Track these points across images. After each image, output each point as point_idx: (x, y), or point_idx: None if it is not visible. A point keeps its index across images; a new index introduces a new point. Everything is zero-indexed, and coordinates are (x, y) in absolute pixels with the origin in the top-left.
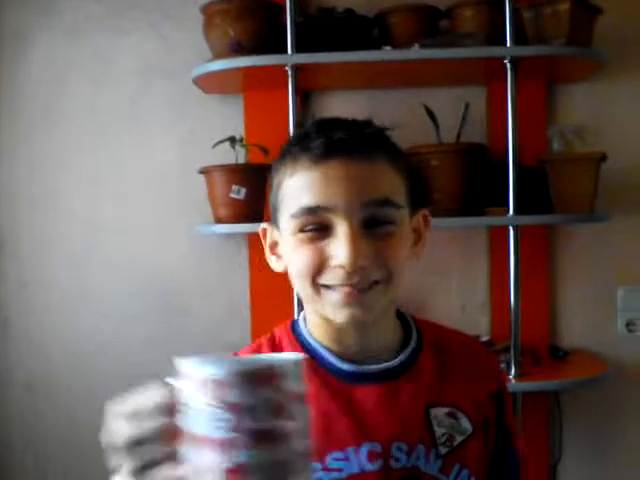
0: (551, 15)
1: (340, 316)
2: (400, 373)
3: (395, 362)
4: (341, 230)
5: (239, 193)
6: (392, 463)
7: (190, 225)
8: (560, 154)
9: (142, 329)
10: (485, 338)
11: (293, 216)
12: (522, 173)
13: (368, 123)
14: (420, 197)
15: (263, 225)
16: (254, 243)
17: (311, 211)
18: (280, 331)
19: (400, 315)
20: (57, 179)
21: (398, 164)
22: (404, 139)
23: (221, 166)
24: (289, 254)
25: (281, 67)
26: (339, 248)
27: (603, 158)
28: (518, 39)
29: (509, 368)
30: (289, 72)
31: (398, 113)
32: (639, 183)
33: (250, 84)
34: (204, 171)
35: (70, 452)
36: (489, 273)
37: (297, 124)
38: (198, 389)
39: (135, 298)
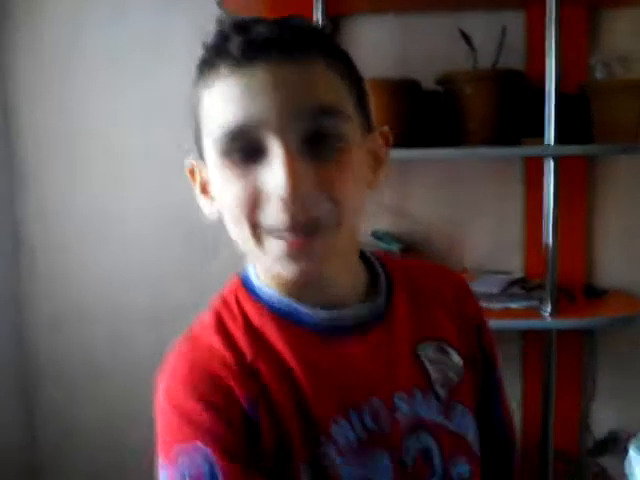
0: None
1: (288, 272)
2: (380, 317)
3: (372, 306)
4: (275, 150)
5: None
6: (398, 416)
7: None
8: (603, 81)
9: (168, 262)
10: (519, 275)
11: (215, 140)
12: (562, 101)
13: (298, 20)
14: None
15: (189, 161)
16: None
17: (238, 132)
18: (232, 290)
19: (363, 256)
20: (81, 112)
21: (341, 67)
22: (439, 64)
23: None
24: (217, 191)
25: None
26: (274, 173)
27: None
28: None
29: (543, 305)
30: None
31: (432, 38)
32: None
33: (277, 7)
34: None
35: (96, 388)
36: (524, 208)
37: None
38: None
39: (162, 231)
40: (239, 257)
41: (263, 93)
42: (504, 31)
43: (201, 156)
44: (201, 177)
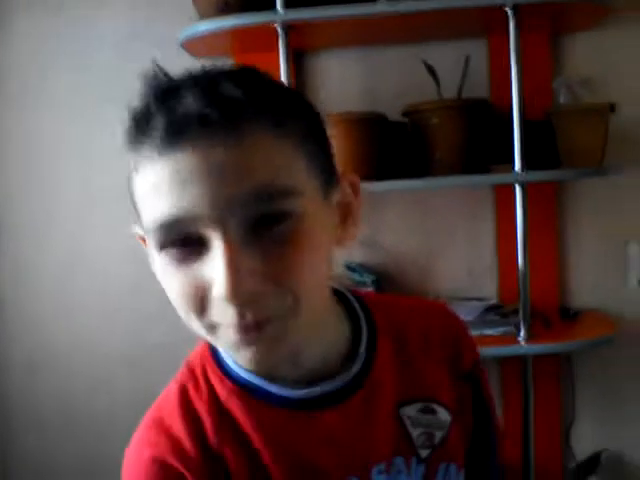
0: None
1: (242, 359)
2: (359, 384)
3: (349, 375)
4: (214, 244)
5: None
6: None
7: None
8: (567, 106)
9: (143, 303)
10: (493, 301)
11: (150, 232)
12: (528, 127)
13: (232, 74)
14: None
15: (136, 230)
16: None
17: (170, 225)
18: (200, 361)
19: (341, 298)
20: (49, 156)
21: (292, 132)
22: (404, 97)
23: None
24: (159, 277)
25: (270, 25)
26: (215, 270)
27: (612, 108)
28: None
29: (518, 331)
30: (279, 31)
31: (397, 71)
32: None
33: (240, 46)
34: None
35: (72, 430)
36: (495, 233)
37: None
38: None
39: (133, 270)
40: None
41: (193, 181)
42: (467, 60)
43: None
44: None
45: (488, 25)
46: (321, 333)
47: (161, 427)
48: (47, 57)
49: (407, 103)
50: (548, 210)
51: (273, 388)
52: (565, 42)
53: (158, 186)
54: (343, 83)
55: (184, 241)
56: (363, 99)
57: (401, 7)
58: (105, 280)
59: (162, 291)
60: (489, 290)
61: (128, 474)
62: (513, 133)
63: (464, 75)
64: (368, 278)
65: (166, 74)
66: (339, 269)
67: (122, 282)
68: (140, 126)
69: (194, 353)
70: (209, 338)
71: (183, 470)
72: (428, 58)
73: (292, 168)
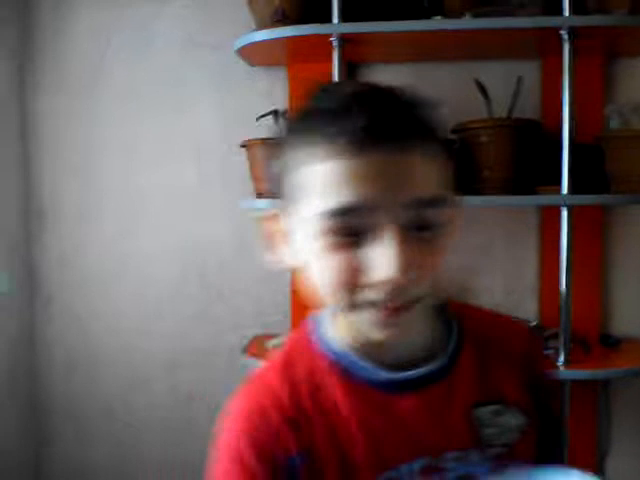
0: None
1: (376, 337)
2: (441, 377)
3: (435, 367)
4: (385, 235)
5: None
6: (446, 475)
7: (232, 200)
8: (618, 131)
9: (182, 305)
10: (533, 323)
11: (322, 216)
12: (577, 151)
13: (411, 98)
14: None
15: (271, 210)
16: None
17: (350, 211)
18: (305, 334)
19: (439, 307)
20: (99, 152)
21: (445, 148)
22: (453, 114)
23: (263, 140)
24: (313, 257)
25: (326, 37)
26: (384, 255)
27: None
28: (576, 9)
29: (557, 355)
30: (335, 43)
31: (447, 87)
32: None
33: (295, 56)
34: (246, 145)
35: (109, 430)
36: (539, 255)
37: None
38: None
39: (175, 274)
40: (252, 300)
41: (381, 178)
42: (520, 81)
43: (288, 210)
44: (280, 227)
45: (542, 47)
46: (426, 325)
47: (262, 382)
48: (106, 53)
49: (457, 121)
50: (594, 235)
51: (367, 366)
52: (618, 67)
53: (345, 180)
54: None
55: (354, 226)
56: None
57: (456, 24)
58: (147, 283)
59: (203, 295)
60: (530, 312)
61: (229, 423)
62: (562, 155)
63: (516, 95)
64: None
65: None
66: None
67: (164, 286)
68: (332, 124)
69: (300, 327)
70: (348, 315)
71: (278, 419)
72: (480, 77)
73: (442, 183)
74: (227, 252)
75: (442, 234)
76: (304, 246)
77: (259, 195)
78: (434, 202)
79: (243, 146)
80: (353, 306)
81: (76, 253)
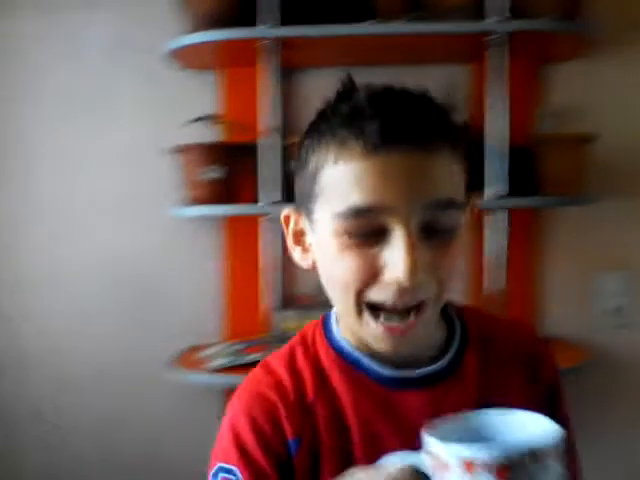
0: None
1: (381, 347)
2: (444, 376)
3: (438, 366)
4: (398, 235)
5: (214, 173)
6: None
7: (163, 207)
8: (549, 135)
9: (113, 310)
10: None
11: (339, 215)
12: (510, 154)
13: (427, 100)
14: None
15: (287, 210)
16: (231, 226)
17: (364, 212)
18: (312, 330)
19: (443, 310)
20: (30, 157)
21: (460, 152)
22: None
23: (196, 145)
24: (327, 257)
25: (259, 40)
26: (395, 257)
27: (593, 139)
28: (506, 15)
29: None
30: (267, 47)
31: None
32: (629, 165)
33: (227, 59)
34: (178, 150)
35: (40, 433)
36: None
37: (335, 103)
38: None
39: (104, 283)
40: (184, 309)
41: (396, 180)
42: (451, 85)
43: (305, 210)
44: (296, 227)
45: (476, 51)
46: (432, 327)
47: (267, 370)
48: (37, 59)
49: None
50: (527, 236)
51: (371, 363)
52: (550, 71)
53: (363, 180)
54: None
55: (369, 227)
56: None
57: (388, 28)
58: (78, 288)
59: (134, 302)
60: None
61: (233, 404)
62: (496, 160)
63: (447, 99)
64: None
65: (359, 86)
66: None
67: (95, 292)
68: (352, 126)
69: (308, 325)
70: (352, 318)
71: (279, 403)
72: (415, 81)
73: (461, 188)
74: (158, 260)
75: (456, 237)
76: (317, 247)
77: (192, 202)
78: (450, 205)
79: (174, 151)
80: (359, 309)
81: (6, 256)
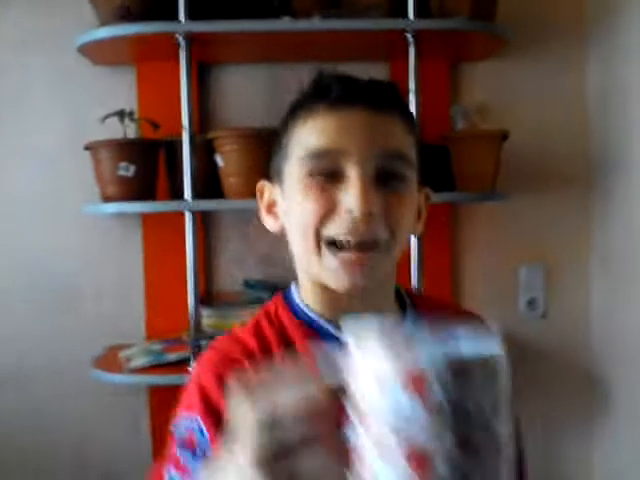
0: None
1: (339, 283)
2: None
3: None
4: (353, 175)
5: (128, 170)
6: None
7: (77, 205)
8: (462, 132)
9: (30, 316)
10: None
11: (302, 159)
12: (424, 151)
13: (386, 80)
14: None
15: (262, 182)
16: (148, 223)
17: (323, 154)
18: (274, 303)
19: (396, 291)
20: None
21: (412, 127)
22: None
23: (108, 141)
24: (292, 208)
25: (173, 35)
26: (350, 193)
27: (505, 136)
28: (421, 13)
29: None
30: (181, 41)
31: (297, 89)
32: (540, 162)
33: (141, 54)
34: (90, 147)
35: None
36: None
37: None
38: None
39: (20, 284)
40: (103, 308)
41: (352, 130)
42: None
43: (277, 180)
44: (269, 198)
45: (390, 49)
46: (388, 294)
47: (234, 338)
48: None
49: None
50: (442, 231)
51: (330, 327)
52: (463, 70)
53: (324, 129)
54: (247, 98)
55: (327, 169)
56: (268, 115)
57: (302, 25)
58: None
59: (51, 303)
60: None
61: (198, 366)
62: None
63: None
64: (265, 294)
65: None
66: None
67: (11, 295)
68: (318, 92)
69: (268, 302)
70: (312, 262)
71: (245, 362)
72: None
73: (411, 148)
74: (75, 259)
75: (407, 190)
76: (287, 207)
77: (106, 199)
78: (401, 156)
79: (87, 148)
80: (318, 248)
81: None
